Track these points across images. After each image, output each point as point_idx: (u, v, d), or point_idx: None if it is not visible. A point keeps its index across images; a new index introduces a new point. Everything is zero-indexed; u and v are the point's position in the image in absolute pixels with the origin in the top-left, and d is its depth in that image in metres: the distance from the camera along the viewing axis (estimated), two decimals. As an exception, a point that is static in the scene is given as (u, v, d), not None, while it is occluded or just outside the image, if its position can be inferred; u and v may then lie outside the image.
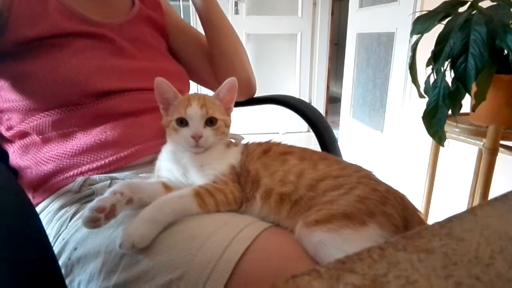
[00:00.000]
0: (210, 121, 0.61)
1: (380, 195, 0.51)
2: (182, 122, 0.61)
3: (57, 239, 0.59)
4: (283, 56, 3.42)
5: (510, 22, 0.97)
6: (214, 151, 0.62)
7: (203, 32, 0.93)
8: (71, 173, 0.67)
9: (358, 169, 0.58)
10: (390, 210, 0.49)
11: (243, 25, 3.10)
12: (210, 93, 0.72)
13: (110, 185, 0.64)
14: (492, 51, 0.95)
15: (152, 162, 0.69)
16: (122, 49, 0.76)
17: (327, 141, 0.95)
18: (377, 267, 0.13)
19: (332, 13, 3.38)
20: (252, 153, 0.63)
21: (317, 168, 0.56)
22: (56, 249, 0.58)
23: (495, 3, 1.00)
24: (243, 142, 0.70)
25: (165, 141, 0.68)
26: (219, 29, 0.89)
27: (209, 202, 0.54)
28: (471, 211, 0.16)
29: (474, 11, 1.00)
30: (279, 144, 0.65)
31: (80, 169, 0.67)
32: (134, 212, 0.55)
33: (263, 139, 0.68)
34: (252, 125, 3.12)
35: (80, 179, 0.65)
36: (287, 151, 0.62)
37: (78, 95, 0.68)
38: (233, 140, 0.69)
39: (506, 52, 0.97)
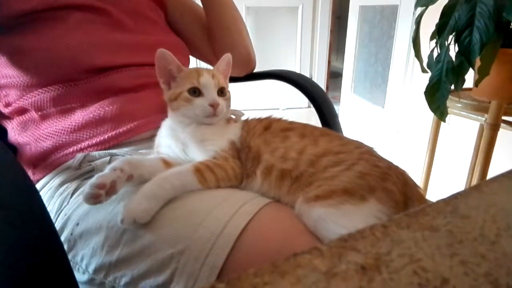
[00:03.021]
0: (221, 91, 0.62)
1: (381, 171, 0.51)
2: (195, 92, 0.60)
3: (59, 215, 0.60)
4: (283, 29, 3.34)
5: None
6: (214, 126, 0.62)
7: (201, 5, 0.90)
8: (71, 149, 0.66)
9: (359, 145, 0.58)
10: (391, 186, 0.49)
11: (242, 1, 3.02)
12: (208, 67, 0.71)
13: (109, 162, 0.64)
14: (498, 24, 0.93)
15: (151, 138, 0.68)
16: (120, 23, 0.74)
17: (328, 117, 0.94)
18: (380, 245, 0.13)
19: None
20: (252, 129, 0.62)
21: (318, 144, 0.56)
22: (58, 224, 0.58)
23: (503, -27, 0.97)
24: (243, 118, 0.69)
25: (164, 116, 0.67)
26: (218, 3, 0.87)
27: (210, 178, 0.54)
28: (476, 187, 0.16)
29: (482, -18, 0.96)
30: (279, 120, 0.65)
31: (79, 145, 0.66)
32: (134, 188, 0.55)
33: (263, 115, 0.67)
34: (252, 100, 3.10)
35: (79, 155, 0.65)
36: (288, 128, 0.61)
37: (76, 70, 0.67)
38: (233, 116, 0.69)
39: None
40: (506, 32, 0.97)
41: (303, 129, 0.61)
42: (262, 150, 0.58)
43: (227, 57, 0.67)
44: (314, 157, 0.54)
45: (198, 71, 0.62)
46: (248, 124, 0.64)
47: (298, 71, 3.40)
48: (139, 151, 0.69)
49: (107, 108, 0.68)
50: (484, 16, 0.93)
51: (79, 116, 0.68)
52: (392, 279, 0.11)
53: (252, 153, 0.58)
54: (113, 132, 0.67)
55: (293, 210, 0.51)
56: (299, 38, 3.36)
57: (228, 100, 0.64)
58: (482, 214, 0.14)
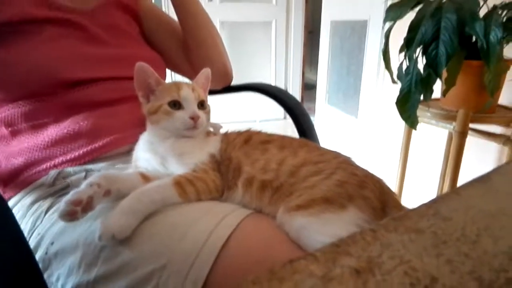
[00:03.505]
0: (201, 104, 0.62)
1: (359, 179, 0.52)
2: (175, 105, 0.60)
3: (32, 234, 0.57)
4: (258, 43, 3.39)
5: (478, 10, 1.00)
6: (193, 139, 0.62)
7: (176, 18, 0.91)
8: (44, 166, 0.64)
9: (336, 155, 0.59)
10: (368, 193, 0.51)
11: (217, 13, 3.05)
12: (185, 80, 0.72)
13: (85, 177, 0.62)
14: (462, 38, 0.98)
15: (129, 152, 0.67)
16: (94, 36, 0.73)
17: (305, 128, 0.95)
18: (371, 249, 0.13)
19: (307, 1, 3.37)
20: (232, 142, 0.62)
21: (297, 155, 0.57)
22: (31, 244, 0.56)
23: (464, -9, 1.03)
24: (222, 131, 0.69)
25: (142, 130, 0.67)
26: (193, 16, 0.87)
27: (190, 191, 0.54)
28: (455, 191, 0.17)
29: (445, -1, 1.02)
30: (259, 132, 0.65)
31: (53, 162, 0.64)
32: (112, 204, 0.54)
33: (242, 127, 0.68)
34: (229, 113, 3.10)
35: (53, 172, 0.62)
36: (267, 140, 0.62)
37: (49, 85, 0.65)
38: (211, 129, 0.69)
39: (474, 39, 1.01)
40: (469, 45, 1.03)
41: (282, 141, 0.61)
42: (243, 162, 0.58)
43: (206, 71, 0.67)
44: (294, 167, 0.55)
45: (177, 85, 0.62)
46: (228, 137, 0.64)
47: (273, 84, 3.44)
48: (116, 166, 0.68)
49: (81, 123, 0.66)
50: (449, 30, 0.98)
51: (52, 131, 0.66)
52: (385, 280, 0.12)
53: (233, 165, 0.58)
54: (88, 147, 0.66)
55: (274, 220, 0.51)
56: (274, 52, 3.41)
57: (208, 113, 0.64)
58: (462, 216, 0.15)
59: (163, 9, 2.72)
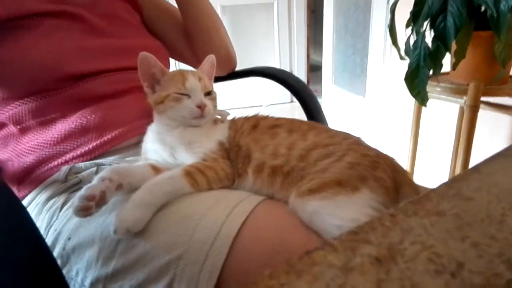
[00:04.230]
0: (207, 93, 0.62)
1: (370, 160, 0.51)
2: (182, 95, 0.60)
3: (49, 231, 0.58)
4: (260, 26, 3.34)
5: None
6: (201, 128, 0.61)
7: (176, 6, 0.89)
8: (55, 162, 0.65)
9: (346, 136, 0.58)
10: (381, 174, 0.50)
11: (218, -2, 3.00)
12: (188, 68, 0.71)
13: (96, 172, 0.63)
14: (470, 8, 0.95)
15: (138, 144, 0.67)
16: (95, 27, 0.73)
17: (313, 110, 0.94)
18: (391, 235, 0.13)
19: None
20: (240, 128, 0.62)
21: (306, 138, 0.56)
22: (49, 240, 0.57)
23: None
24: (229, 118, 0.69)
25: (149, 121, 0.66)
26: (194, 3, 0.86)
27: (201, 181, 0.54)
28: (475, 169, 0.16)
29: (452, -32, 0.98)
30: (266, 117, 0.65)
31: (64, 158, 0.65)
32: (124, 197, 0.54)
33: (249, 113, 0.67)
34: (235, 99, 3.09)
35: (65, 168, 0.63)
36: (276, 124, 0.61)
37: (53, 80, 0.65)
38: (219, 117, 0.68)
39: (483, 8, 0.97)
40: (478, 16, 0.99)
41: (290, 125, 0.61)
42: (252, 149, 0.57)
43: (210, 58, 0.66)
44: (304, 151, 0.54)
45: (183, 74, 0.61)
46: (236, 124, 0.64)
47: (278, 67, 3.40)
48: (126, 159, 0.68)
49: (89, 117, 0.66)
50: (456, 1, 0.95)
51: (61, 127, 0.66)
52: (408, 268, 0.11)
53: (242, 152, 0.58)
54: (98, 141, 0.66)
55: (287, 205, 0.51)
56: (277, 34, 3.36)
57: (214, 100, 0.64)
58: (485, 195, 0.14)
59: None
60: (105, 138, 0.66)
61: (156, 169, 0.59)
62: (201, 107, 0.59)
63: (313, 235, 0.46)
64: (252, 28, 3.31)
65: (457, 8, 0.95)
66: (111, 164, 0.65)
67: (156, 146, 0.62)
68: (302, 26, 3.41)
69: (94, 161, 0.65)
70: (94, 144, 0.66)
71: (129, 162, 0.66)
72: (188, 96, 0.60)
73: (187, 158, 0.58)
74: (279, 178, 0.54)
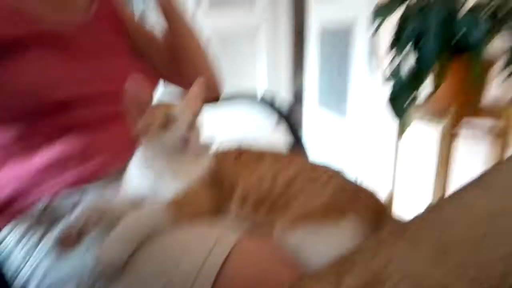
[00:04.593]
0: (192, 124, 0.60)
1: (352, 191, 0.53)
2: (166, 126, 0.58)
3: (23, 268, 0.55)
4: (245, 50, 3.39)
5: (463, 5, 1.00)
6: (185, 159, 0.60)
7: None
8: (34, 194, 0.61)
9: (328, 168, 0.59)
10: (362, 206, 0.51)
11: (204, 21, 3.03)
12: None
13: (78, 203, 0.60)
14: (449, 33, 0.99)
15: (123, 171, 0.65)
16: (83, 50, 0.71)
17: (296, 135, 0.96)
18: (375, 262, 0.12)
19: (293, 3, 3.38)
20: (224, 159, 0.61)
21: (289, 172, 0.56)
22: (23, 278, 0.54)
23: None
24: (214, 147, 0.68)
25: (135, 148, 0.64)
26: (179, 31, 0.85)
27: (184, 213, 0.53)
28: (453, 195, 0.16)
29: (430, -4, 1.02)
30: (249, 148, 0.64)
31: (43, 189, 0.61)
32: (105, 231, 0.52)
33: (233, 143, 0.67)
34: (219, 125, 3.07)
35: (44, 200, 0.60)
36: (259, 156, 0.61)
37: (38, 105, 0.63)
38: (204, 147, 0.67)
39: (462, 33, 1.01)
40: (457, 40, 1.03)
41: (274, 156, 0.61)
42: (236, 180, 0.57)
43: (200, 81, 0.65)
44: (287, 182, 0.54)
45: (167, 105, 0.60)
46: (219, 155, 0.63)
47: (263, 90, 3.44)
48: (111, 186, 0.65)
49: (73, 144, 0.64)
50: (437, 26, 0.98)
51: (42, 155, 0.63)
52: (392, 297, 0.11)
53: (225, 183, 0.57)
54: (81, 169, 0.63)
55: (271, 238, 0.51)
56: (261, 57, 3.41)
57: (199, 131, 0.62)
58: (463, 221, 0.14)
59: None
60: (90, 166, 0.64)
61: (138, 202, 0.57)
62: (185, 139, 0.57)
63: (298, 268, 0.46)
64: (237, 52, 3.35)
65: (437, 34, 0.99)
66: (94, 193, 0.62)
67: (140, 173, 0.59)
68: (287, 49, 3.48)
69: (76, 191, 0.62)
70: (77, 172, 0.63)
71: (112, 189, 0.64)
72: (172, 128, 0.58)
73: (170, 189, 0.56)
74: (262, 209, 0.54)
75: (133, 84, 0.58)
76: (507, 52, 1.02)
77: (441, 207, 0.15)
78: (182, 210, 0.53)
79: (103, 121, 0.69)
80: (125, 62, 0.79)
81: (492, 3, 1.01)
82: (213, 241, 0.49)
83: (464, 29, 0.96)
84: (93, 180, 0.64)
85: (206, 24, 3.08)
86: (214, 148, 0.67)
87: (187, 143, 0.57)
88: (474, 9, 0.99)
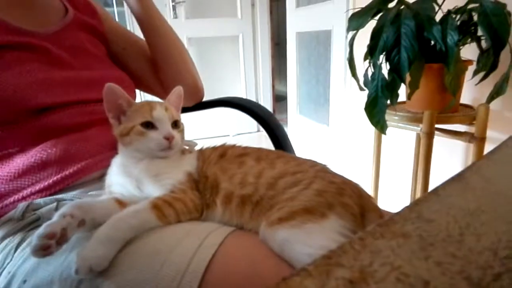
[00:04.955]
0: (175, 124, 0.61)
1: (337, 186, 0.53)
2: (148, 126, 0.59)
3: (3, 271, 0.54)
4: (226, 58, 3.42)
5: (434, 15, 1.05)
6: (169, 159, 0.61)
7: (143, 37, 0.90)
8: (11, 199, 0.61)
9: (313, 164, 0.60)
10: (347, 200, 0.51)
11: (183, 29, 3.05)
12: (156, 99, 0.71)
13: (57, 208, 0.59)
14: (421, 42, 1.03)
15: (101, 178, 0.65)
16: (59, 59, 0.71)
17: (279, 138, 0.96)
18: (362, 257, 0.13)
19: (271, 13, 3.44)
20: (208, 158, 0.62)
21: (274, 167, 0.57)
22: (3, 282, 0.52)
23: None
24: (197, 148, 0.69)
25: (113, 154, 0.65)
26: (160, 35, 0.87)
27: (169, 213, 0.52)
28: (434, 192, 0.17)
29: (403, 6, 1.07)
30: (234, 146, 0.65)
31: (21, 194, 0.61)
32: (87, 234, 0.52)
33: (217, 143, 0.68)
34: (202, 129, 3.08)
35: (22, 204, 0.59)
36: (243, 153, 0.62)
37: (14, 113, 0.62)
38: (186, 147, 0.68)
39: (433, 42, 1.06)
40: (429, 49, 1.07)
41: (258, 153, 0.61)
42: (220, 178, 0.57)
43: (178, 89, 0.67)
44: (272, 179, 0.55)
45: (150, 104, 0.61)
46: (203, 154, 0.64)
47: (244, 97, 3.46)
48: (89, 193, 0.65)
49: (49, 151, 0.64)
50: (409, 35, 1.02)
51: (19, 161, 0.63)
52: (379, 289, 0.12)
53: (210, 182, 0.58)
54: (58, 176, 0.63)
55: (257, 235, 0.51)
56: (243, 65, 3.44)
57: (182, 132, 0.63)
58: (444, 216, 0.15)
59: (128, 28, 2.69)
60: (67, 172, 0.64)
61: (121, 203, 0.57)
62: (168, 138, 0.58)
63: (285, 265, 0.46)
64: (218, 60, 3.38)
65: (409, 43, 1.03)
66: (72, 199, 0.62)
67: (121, 179, 0.60)
68: (267, 58, 3.53)
69: (54, 197, 0.62)
70: (55, 178, 0.63)
71: (92, 197, 0.64)
72: (155, 127, 0.59)
73: (154, 190, 0.57)
74: (248, 207, 0.54)
75: (112, 88, 0.58)
76: (479, 58, 1.07)
77: (423, 204, 0.16)
78: (167, 209, 0.52)
79: (81, 127, 0.69)
80: (101, 70, 0.79)
81: (460, 12, 1.06)
82: (201, 238, 0.49)
83: (435, 38, 1.01)
84: (73, 186, 0.64)
85: (188, 31, 3.10)
86: (198, 147, 0.68)
87: (172, 141, 0.58)
88: (444, 19, 1.04)
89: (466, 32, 1.08)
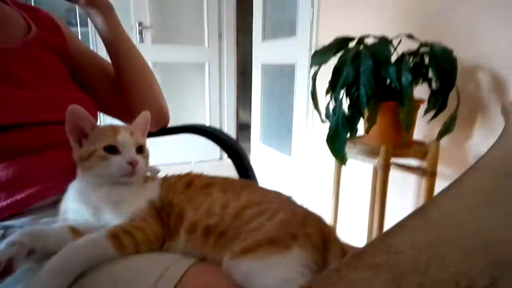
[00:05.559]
0: (140, 149, 0.59)
1: (300, 218, 0.53)
2: (112, 150, 0.56)
3: None
4: (192, 85, 3.43)
5: (391, 56, 1.14)
6: (130, 186, 0.58)
7: (109, 60, 0.88)
8: None
9: (278, 194, 0.60)
10: (310, 231, 0.52)
11: (149, 54, 3.03)
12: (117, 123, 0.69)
13: (4, 236, 0.55)
14: (378, 80, 1.10)
15: (55, 204, 0.61)
16: (19, 78, 0.68)
17: (245, 167, 0.97)
18: (338, 289, 0.14)
19: (238, 44, 3.54)
20: (173, 186, 0.60)
21: (240, 198, 0.57)
22: None
23: (377, 40, 1.17)
24: (160, 174, 0.67)
25: (70, 179, 0.61)
26: (128, 59, 0.86)
27: (128, 243, 0.50)
28: (400, 225, 0.18)
29: (362, 47, 1.14)
30: (200, 175, 0.64)
31: None
32: (37, 264, 0.48)
33: (178, 169, 0.67)
34: (163, 155, 3.01)
35: None
36: (210, 183, 0.61)
37: None
38: (149, 173, 0.66)
39: (389, 81, 1.13)
40: (385, 87, 1.15)
41: (224, 183, 0.61)
42: (185, 208, 0.56)
43: (145, 114, 0.65)
44: (238, 210, 0.54)
45: (114, 128, 0.59)
46: (168, 182, 0.62)
47: (208, 125, 3.46)
48: (41, 220, 0.61)
49: (1, 173, 0.60)
50: (367, 74, 1.09)
51: None
52: (356, 320, 0.12)
53: (174, 211, 0.56)
54: (8, 201, 0.59)
55: (220, 267, 0.50)
56: (208, 93, 3.47)
57: (146, 158, 0.62)
58: (410, 249, 0.16)
59: (92, 48, 2.64)
60: (18, 197, 0.59)
61: (76, 231, 0.54)
62: (132, 163, 0.56)
63: None
64: (184, 86, 3.38)
65: (367, 80, 1.10)
66: (22, 226, 0.58)
67: (77, 205, 0.57)
68: (232, 87, 3.58)
69: (1, 223, 0.57)
70: (4, 204, 0.58)
71: (45, 224, 0.60)
72: (119, 152, 0.57)
73: (113, 218, 0.54)
74: (212, 238, 0.53)
75: (76, 110, 0.56)
76: (430, 97, 1.16)
77: (390, 236, 0.17)
78: (126, 238, 0.50)
79: (38, 149, 0.66)
80: (63, 90, 0.77)
81: (413, 55, 1.16)
82: (161, 269, 0.47)
83: (391, 77, 1.08)
84: (24, 212, 0.60)
85: (154, 56, 3.09)
86: (162, 175, 0.66)
87: (135, 167, 0.56)
88: (399, 60, 1.12)
89: (419, 73, 1.17)
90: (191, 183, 0.61)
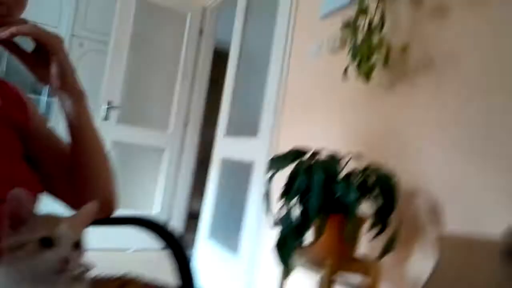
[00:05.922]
0: (76, 245, 0.55)
1: None
2: (46, 243, 0.51)
3: None
4: (147, 168, 3.39)
5: (340, 172, 1.22)
6: (57, 285, 0.53)
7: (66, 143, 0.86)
8: None
9: None
10: None
11: (111, 132, 3.03)
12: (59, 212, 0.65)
13: None
14: (329, 194, 1.16)
15: None
16: None
17: (184, 263, 0.92)
18: None
19: (201, 136, 3.64)
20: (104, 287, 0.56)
21: None
22: None
23: (328, 157, 1.27)
24: (92, 273, 0.61)
25: None
26: (87, 147, 0.83)
27: None
28: None
29: (314, 160, 1.23)
30: (133, 280, 0.60)
31: None
32: None
33: (118, 260, 0.62)
34: (99, 238, 2.79)
35: None
36: None
37: None
38: (82, 268, 0.60)
39: (337, 195, 1.19)
40: (334, 201, 1.20)
41: None
42: None
43: (92, 205, 0.61)
44: None
45: (54, 219, 0.55)
46: (98, 285, 0.57)
47: (158, 211, 3.34)
48: None
49: None
50: (318, 186, 1.15)
51: None
52: None
53: None
54: None
55: None
56: (163, 178, 3.42)
57: (82, 254, 0.57)
58: None
59: (53, 120, 2.58)
60: None
61: None
62: (66, 261, 0.51)
63: None
64: (141, 169, 3.33)
65: (318, 192, 1.15)
66: None
67: None
68: (189, 175, 3.57)
69: None
70: None
71: None
72: (54, 245, 0.53)
73: None
74: None
75: (16, 195, 0.53)
76: (373, 215, 1.22)
77: None
78: None
79: None
80: (10, 168, 0.73)
81: (361, 173, 1.25)
82: None
83: (339, 193, 1.15)
84: None
85: (116, 135, 3.07)
86: (94, 274, 0.60)
87: (67, 265, 0.51)
88: (347, 177, 1.21)
89: (364, 191, 1.25)
90: None
